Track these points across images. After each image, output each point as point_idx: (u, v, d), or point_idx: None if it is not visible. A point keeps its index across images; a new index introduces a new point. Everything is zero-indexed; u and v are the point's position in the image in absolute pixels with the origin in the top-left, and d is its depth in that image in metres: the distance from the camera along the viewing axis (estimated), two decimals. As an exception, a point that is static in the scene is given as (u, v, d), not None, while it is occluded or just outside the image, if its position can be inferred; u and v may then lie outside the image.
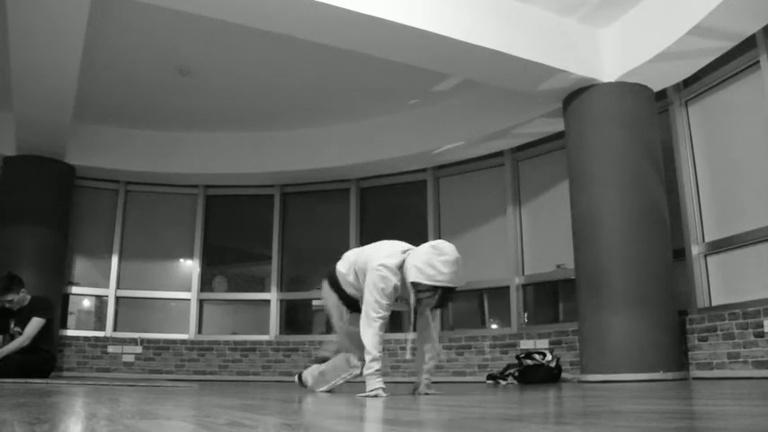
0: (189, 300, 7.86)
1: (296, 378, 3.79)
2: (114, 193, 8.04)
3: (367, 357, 3.00)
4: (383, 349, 3.04)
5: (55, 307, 6.11)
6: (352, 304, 3.35)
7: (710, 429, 1.20)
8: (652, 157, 5.18)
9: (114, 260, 7.82)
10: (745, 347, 4.59)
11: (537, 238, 6.71)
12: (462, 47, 4.76)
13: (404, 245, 3.21)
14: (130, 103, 7.09)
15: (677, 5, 4.72)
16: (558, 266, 6.31)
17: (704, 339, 4.88)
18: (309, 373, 3.61)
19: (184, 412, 1.75)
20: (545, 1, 5.05)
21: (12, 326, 5.31)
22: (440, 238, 7.32)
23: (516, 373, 5.38)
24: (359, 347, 3.14)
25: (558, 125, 5.98)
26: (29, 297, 5.39)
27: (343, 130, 7.52)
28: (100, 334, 7.55)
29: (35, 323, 5.28)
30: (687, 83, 5.50)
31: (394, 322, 7.56)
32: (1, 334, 5.37)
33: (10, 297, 5.22)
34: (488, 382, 5.61)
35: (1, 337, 5.34)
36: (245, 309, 8.05)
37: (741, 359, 4.60)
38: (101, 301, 7.80)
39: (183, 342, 7.59)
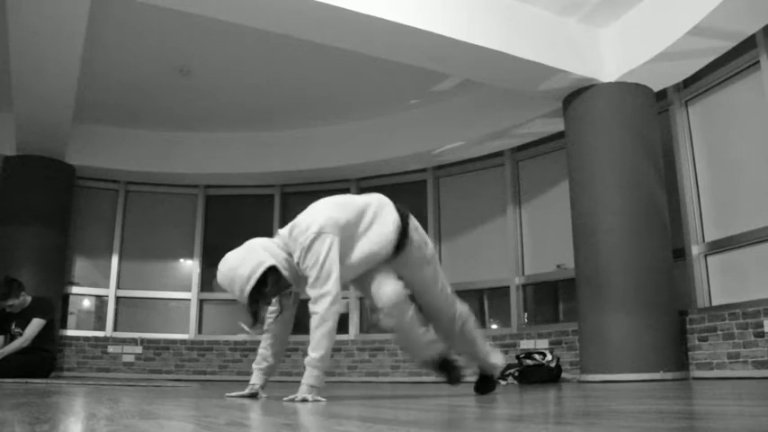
0: (189, 300, 7.86)
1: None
2: (114, 193, 8.05)
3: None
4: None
5: (55, 307, 6.11)
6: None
7: (710, 429, 1.20)
8: (652, 157, 5.18)
9: (114, 260, 7.82)
10: (745, 347, 4.59)
11: (537, 238, 6.71)
12: (462, 47, 4.76)
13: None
14: (130, 103, 7.09)
15: (677, 5, 4.72)
16: (558, 266, 6.31)
17: (704, 339, 4.88)
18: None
19: (184, 412, 1.75)
20: (545, 1, 5.05)
21: (12, 326, 5.31)
22: (440, 237, 7.38)
23: (516, 373, 5.38)
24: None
25: (558, 125, 5.99)
26: (29, 298, 5.39)
27: (343, 130, 7.53)
28: (100, 334, 7.55)
29: (35, 324, 5.28)
30: (687, 83, 5.50)
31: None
32: (1, 334, 5.36)
33: (10, 302, 5.24)
34: (488, 382, 5.60)
35: (2, 338, 5.34)
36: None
37: (741, 359, 4.60)
38: (101, 301, 7.80)
39: (183, 342, 7.59)
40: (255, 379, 2.82)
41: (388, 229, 2.63)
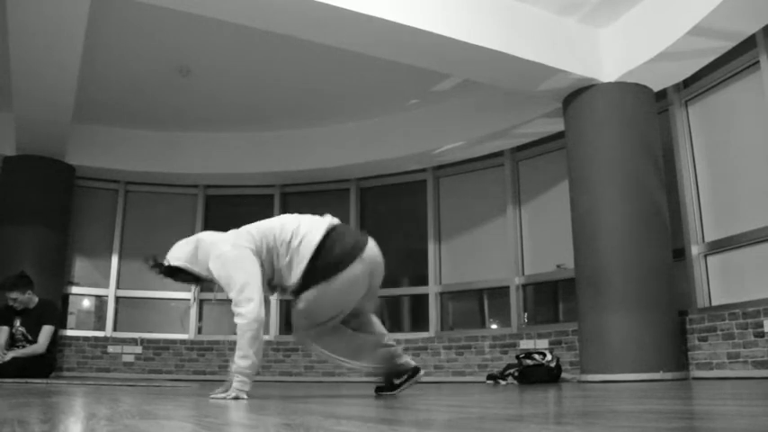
0: (189, 300, 7.85)
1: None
2: (114, 193, 8.05)
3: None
4: None
5: (60, 311, 6.12)
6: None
7: (710, 429, 1.20)
8: (652, 157, 5.18)
9: (114, 260, 7.82)
10: (745, 347, 4.59)
11: (537, 238, 6.71)
12: (462, 47, 4.76)
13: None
14: (130, 103, 7.09)
15: (677, 5, 4.72)
16: (558, 266, 6.31)
17: (704, 339, 4.88)
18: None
19: (184, 412, 1.75)
20: (545, 1, 5.05)
21: (17, 324, 5.31)
22: (440, 237, 7.39)
23: (516, 373, 5.38)
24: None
25: (558, 125, 5.99)
26: (36, 299, 5.38)
27: (343, 130, 7.53)
28: (100, 334, 7.55)
29: (47, 331, 5.29)
30: (687, 83, 5.50)
31: (394, 320, 7.59)
32: (4, 325, 5.32)
33: (14, 295, 5.22)
34: (488, 382, 5.61)
35: (7, 329, 5.29)
36: (245, 309, 8.04)
37: (741, 359, 4.60)
38: (101, 301, 7.80)
39: (183, 342, 7.59)
40: None
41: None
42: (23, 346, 5.27)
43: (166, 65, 6.26)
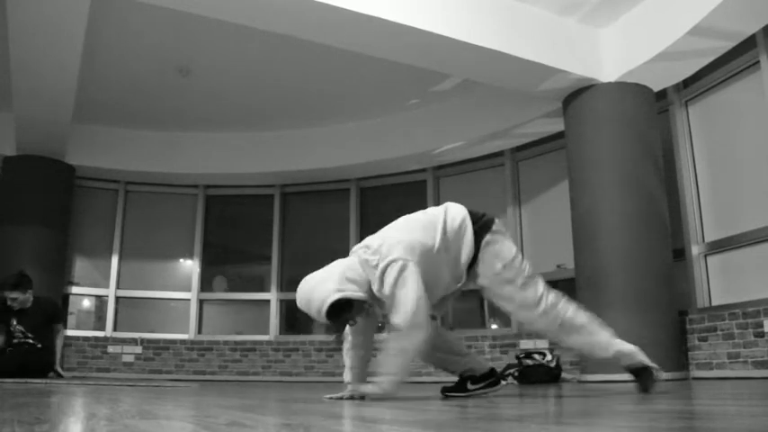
0: (189, 300, 7.86)
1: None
2: (114, 193, 8.05)
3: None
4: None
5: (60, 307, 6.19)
6: None
7: (710, 429, 1.20)
8: (652, 157, 5.18)
9: (114, 260, 7.82)
10: (745, 347, 4.59)
11: (537, 238, 6.71)
12: (462, 47, 4.76)
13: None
14: (130, 103, 7.09)
15: (677, 5, 4.72)
16: (558, 266, 6.31)
17: (704, 339, 4.88)
18: None
19: (184, 412, 1.75)
20: (545, 1, 5.05)
21: (14, 323, 5.32)
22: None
23: (516, 373, 5.38)
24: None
25: (558, 125, 5.99)
26: (32, 298, 5.40)
27: (343, 130, 7.53)
28: (100, 334, 7.55)
29: (61, 332, 5.59)
30: (687, 83, 5.50)
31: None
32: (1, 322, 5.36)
33: (14, 295, 5.25)
34: (488, 382, 5.60)
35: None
36: (245, 309, 8.05)
37: (741, 359, 4.60)
38: (101, 301, 7.80)
39: (183, 342, 7.59)
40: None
41: (465, 252, 2.62)
42: (23, 344, 5.29)
43: (166, 65, 6.26)
